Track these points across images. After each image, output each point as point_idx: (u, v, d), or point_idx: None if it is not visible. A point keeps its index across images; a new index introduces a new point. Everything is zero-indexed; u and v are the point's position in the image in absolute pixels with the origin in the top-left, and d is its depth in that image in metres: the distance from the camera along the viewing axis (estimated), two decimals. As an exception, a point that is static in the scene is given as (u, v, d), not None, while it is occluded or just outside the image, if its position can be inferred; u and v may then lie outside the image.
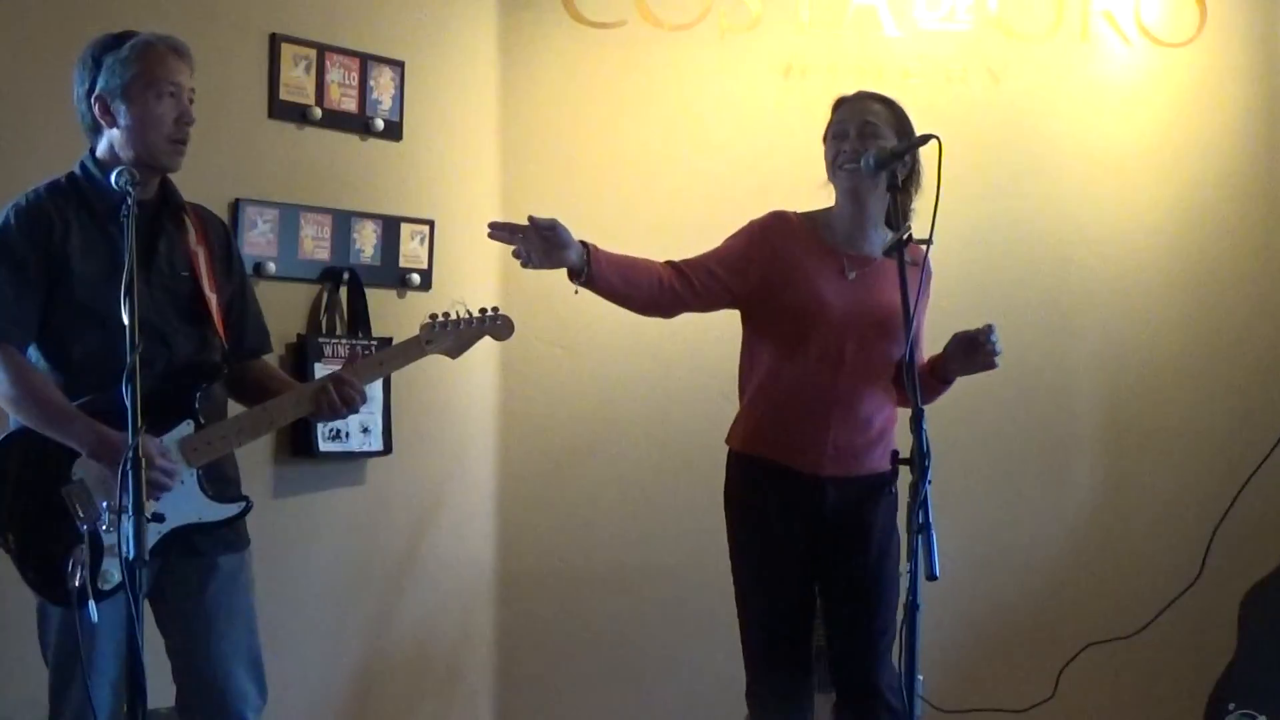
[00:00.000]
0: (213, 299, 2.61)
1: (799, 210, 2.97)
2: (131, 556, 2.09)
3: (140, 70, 2.49)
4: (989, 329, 2.74)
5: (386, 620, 3.81)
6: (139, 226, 2.46)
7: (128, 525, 2.08)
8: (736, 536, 2.96)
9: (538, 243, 2.64)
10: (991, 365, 2.77)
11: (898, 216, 2.56)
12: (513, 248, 2.66)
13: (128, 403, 2.14)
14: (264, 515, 3.47)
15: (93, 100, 2.51)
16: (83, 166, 2.56)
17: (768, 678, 2.95)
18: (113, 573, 2.38)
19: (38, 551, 2.44)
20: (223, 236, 2.74)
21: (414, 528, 3.87)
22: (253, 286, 2.82)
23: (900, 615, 2.40)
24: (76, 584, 2.28)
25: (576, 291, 2.74)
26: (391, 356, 2.82)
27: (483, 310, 2.83)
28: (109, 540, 2.38)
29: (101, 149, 2.54)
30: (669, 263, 2.87)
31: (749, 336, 2.97)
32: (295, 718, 3.58)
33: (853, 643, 2.89)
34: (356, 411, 2.66)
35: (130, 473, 2.10)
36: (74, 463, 2.43)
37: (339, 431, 3.56)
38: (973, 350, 2.75)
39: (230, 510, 2.57)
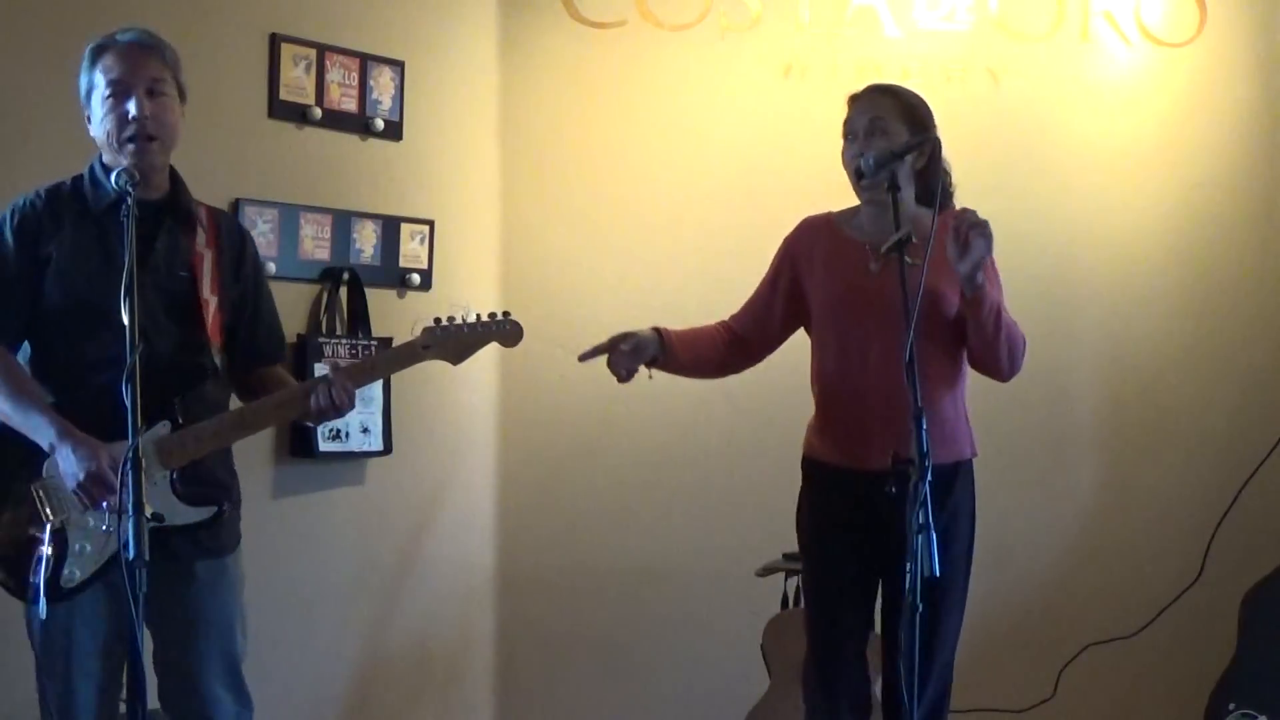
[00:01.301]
0: (211, 301, 2.59)
1: (833, 210, 2.96)
2: (131, 557, 2.09)
3: (90, 77, 2.52)
4: (960, 212, 2.59)
5: (386, 620, 3.81)
6: (138, 225, 2.47)
7: (127, 525, 2.09)
8: (801, 541, 2.94)
9: (624, 356, 2.81)
10: (988, 236, 2.57)
11: (897, 215, 2.54)
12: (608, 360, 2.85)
13: (127, 402, 2.15)
14: (264, 515, 3.49)
15: (84, 112, 2.56)
16: (90, 169, 2.58)
17: (816, 699, 2.90)
18: (74, 571, 2.42)
19: (5, 547, 2.45)
20: (236, 242, 2.70)
21: (414, 528, 3.87)
22: (270, 295, 2.78)
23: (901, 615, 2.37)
24: (35, 580, 2.32)
25: (650, 376, 2.88)
26: (385, 361, 2.78)
27: (492, 315, 2.72)
28: (74, 540, 2.42)
29: (105, 153, 2.58)
30: (721, 323, 3.00)
31: (811, 348, 2.95)
32: (295, 718, 3.58)
33: (895, 669, 2.76)
34: (343, 415, 2.60)
35: (130, 472, 2.10)
36: (45, 461, 2.44)
37: (339, 431, 3.56)
38: (963, 244, 2.56)
39: (197, 514, 2.51)
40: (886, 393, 2.73)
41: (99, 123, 2.51)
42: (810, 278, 2.89)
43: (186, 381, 2.54)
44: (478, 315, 2.69)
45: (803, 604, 2.99)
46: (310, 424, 2.79)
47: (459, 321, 2.67)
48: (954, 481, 2.81)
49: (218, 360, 2.61)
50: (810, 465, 2.91)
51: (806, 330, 2.96)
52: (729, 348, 2.98)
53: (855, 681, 2.87)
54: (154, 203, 2.55)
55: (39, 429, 2.42)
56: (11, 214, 2.53)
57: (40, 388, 2.50)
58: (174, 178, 2.63)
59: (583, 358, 2.83)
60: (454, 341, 2.66)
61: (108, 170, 2.52)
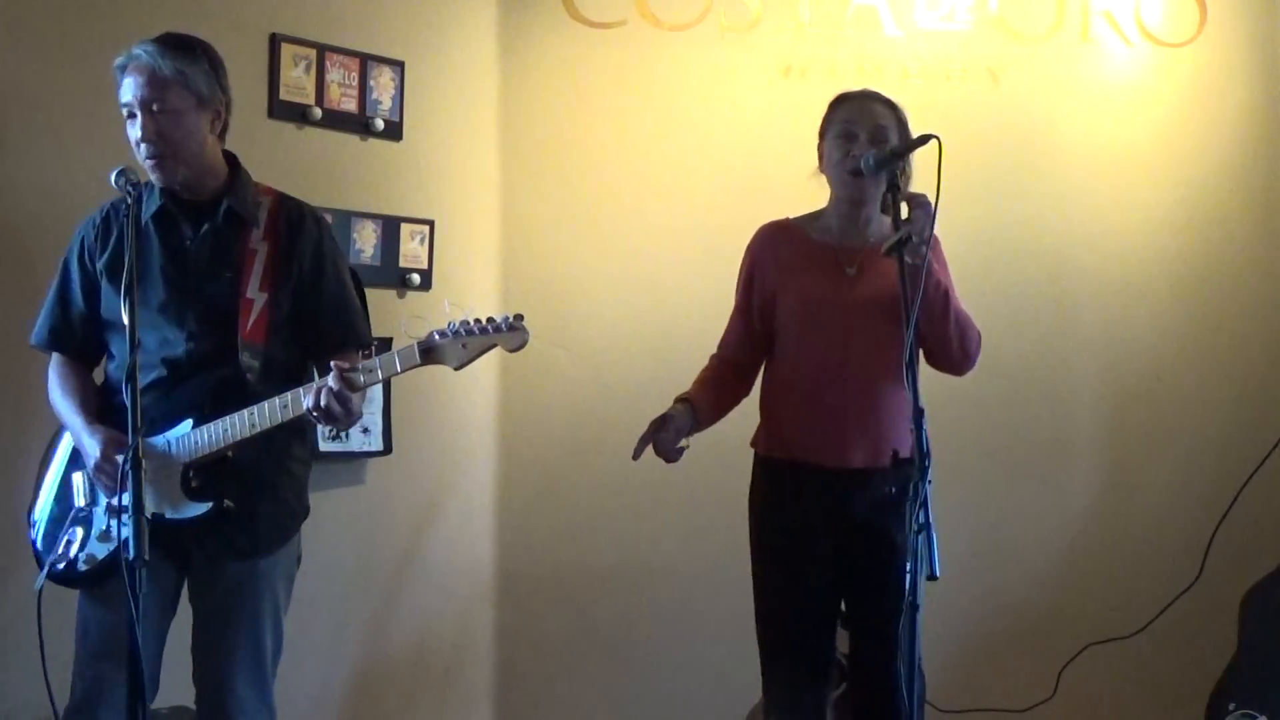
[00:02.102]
0: (258, 300, 2.57)
1: (793, 215, 2.99)
2: (131, 556, 2.10)
3: (118, 97, 2.55)
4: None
5: (386, 620, 3.81)
6: (176, 227, 2.58)
7: (127, 523, 2.12)
8: (757, 537, 2.96)
9: (668, 441, 2.85)
10: (924, 206, 2.54)
11: (897, 216, 2.55)
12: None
13: (127, 402, 2.18)
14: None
15: None
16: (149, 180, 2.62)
17: (779, 678, 2.93)
18: (96, 555, 2.55)
19: (49, 528, 2.65)
20: (292, 232, 2.64)
21: (414, 528, 3.87)
22: (339, 280, 2.70)
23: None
24: (51, 557, 2.53)
25: (688, 446, 2.90)
26: (384, 366, 2.53)
27: (505, 318, 2.51)
28: (96, 526, 2.56)
29: None
30: (717, 359, 3.05)
31: (780, 349, 2.97)
32: (295, 717, 3.58)
33: (873, 646, 2.83)
34: (341, 423, 2.52)
35: (130, 472, 2.13)
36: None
37: (339, 431, 3.57)
38: (905, 218, 2.56)
39: (194, 509, 2.53)
40: (864, 393, 2.79)
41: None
42: (779, 283, 2.90)
43: (223, 382, 2.54)
44: (477, 320, 2.51)
45: (756, 603, 2.98)
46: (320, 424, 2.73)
47: (460, 325, 2.51)
48: (894, 481, 2.82)
49: (257, 361, 2.56)
50: (775, 465, 2.93)
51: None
52: (736, 381, 3.02)
53: (821, 674, 2.90)
54: (198, 204, 2.59)
55: (72, 426, 2.62)
56: (78, 230, 2.67)
57: (87, 393, 2.65)
58: (233, 174, 2.64)
59: (635, 457, 2.85)
60: (454, 347, 2.50)
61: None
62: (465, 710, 4.05)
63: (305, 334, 2.67)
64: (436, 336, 2.49)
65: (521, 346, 2.52)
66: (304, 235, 2.65)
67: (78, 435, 2.60)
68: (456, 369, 2.52)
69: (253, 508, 2.59)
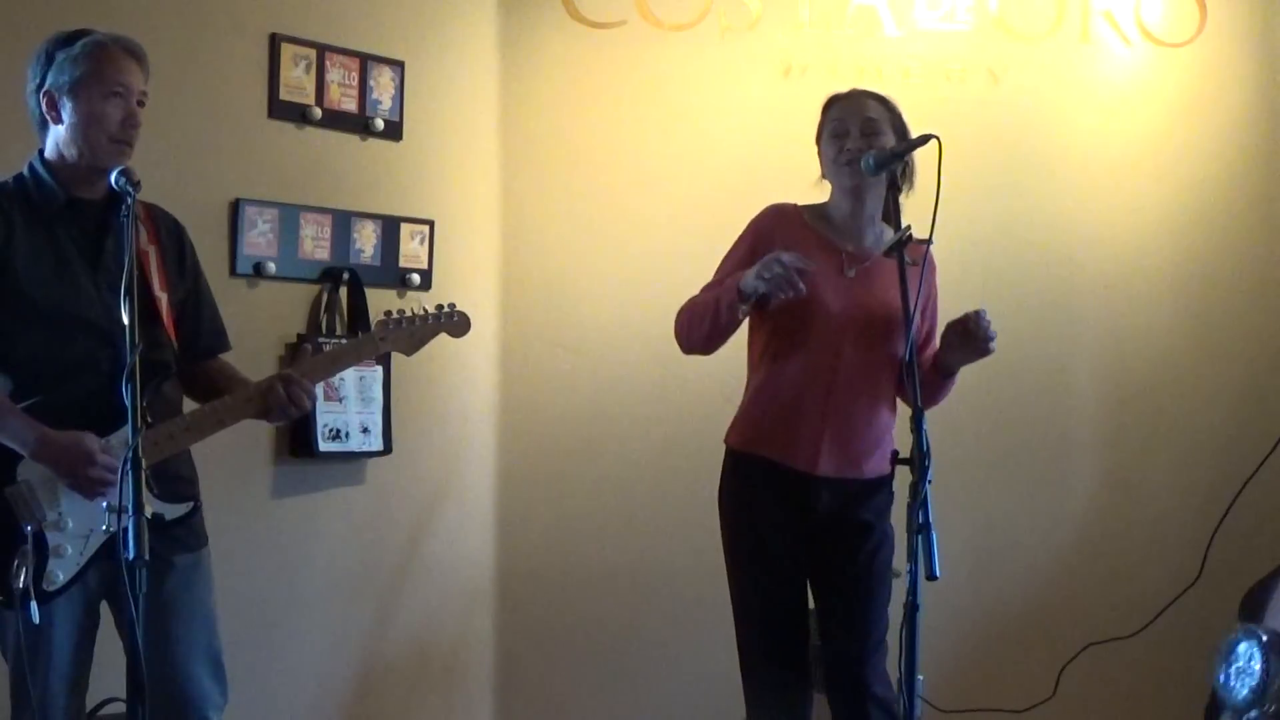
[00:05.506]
0: (162, 298, 2.59)
1: (799, 203, 2.98)
2: (131, 557, 2.09)
3: (89, 68, 2.50)
4: (978, 314, 2.68)
5: (386, 620, 3.81)
6: (85, 226, 2.53)
7: (128, 524, 2.09)
8: (729, 533, 2.95)
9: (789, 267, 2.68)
10: (987, 351, 2.71)
11: (897, 215, 2.55)
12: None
13: (127, 402, 2.16)
14: (264, 515, 3.50)
15: (41, 95, 2.53)
16: (31, 167, 2.56)
17: (762, 674, 2.93)
18: (57, 573, 2.42)
19: None
20: (174, 236, 2.70)
21: (414, 528, 3.87)
22: (209, 286, 2.78)
23: (900, 615, 2.39)
24: (20, 585, 2.29)
25: (743, 315, 2.80)
26: (345, 353, 2.76)
27: (439, 307, 2.80)
28: (54, 541, 2.41)
29: (49, 149, 2.55)
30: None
31: (751, 335, 2.96)
32: (295, 718, 3.58)
33: (842, 641, 2.87)
34: (306, 411, 2.62)
35: (130, 472, 2.11)
36: (19, 464, 2.41)
37: (339, 431, 3.56)
38: (967, 338, 2.70)
39: (175, 510, 2.53)
40: (846, 401, 2.79)
41: (79, 116, 2.49)
42: None
43: (151, 380, 2.50)
44: (425, 308, 2.77)
45: (733, 603, 2.97)
46: (270, 421, 2.72)
47: (409, 314, 2.75)
48: (892, 481, 2.83)
49: (173, 357, 2.61)
50: (747, 459, 2.90)
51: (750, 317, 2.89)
52: None
53: (803, 671, 2.92)
54: (97, 202, 2.55)
55: (14, 435, 2.41)
56: None
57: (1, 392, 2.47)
58: None
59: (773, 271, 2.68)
60: (406, 333, 2.74)
61: (49, 167, 2.53)
62: (466, 709, 4.05)
63: (187, 338, 2.68)
64: (390, 325, 2.71)
65: (465, 332, 2.81)
66: (186, 243, 2.72)
67: (35, 449, 2.39)
68: (409, 354, 2.78)
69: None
